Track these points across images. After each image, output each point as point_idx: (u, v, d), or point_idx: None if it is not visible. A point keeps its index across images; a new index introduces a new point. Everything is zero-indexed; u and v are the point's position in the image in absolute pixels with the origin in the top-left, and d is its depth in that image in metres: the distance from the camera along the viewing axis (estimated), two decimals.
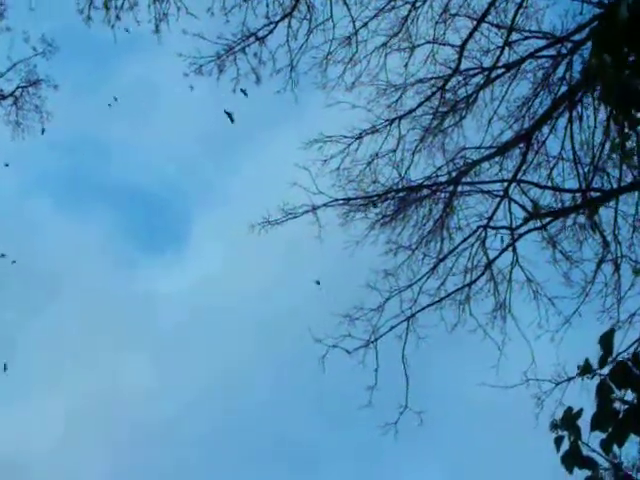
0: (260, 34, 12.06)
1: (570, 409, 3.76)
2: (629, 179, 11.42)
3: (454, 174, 12.36)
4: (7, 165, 13.75)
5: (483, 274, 12.25)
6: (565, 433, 3.72)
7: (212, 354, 18.64)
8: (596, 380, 3.74)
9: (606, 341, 3.67)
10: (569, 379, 11.14)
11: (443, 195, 12.38)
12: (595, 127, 11.61)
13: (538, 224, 12.08)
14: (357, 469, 17.75)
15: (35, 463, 17.56)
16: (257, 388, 18.45)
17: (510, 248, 12.25)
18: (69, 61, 14.38)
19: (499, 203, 12.24)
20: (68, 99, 14.52)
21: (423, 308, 12.18)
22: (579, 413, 3.75)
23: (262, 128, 14.87)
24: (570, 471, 3.71)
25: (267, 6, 11.87)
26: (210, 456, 18.32)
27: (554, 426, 3.79)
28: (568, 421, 3.71)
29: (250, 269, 15.68)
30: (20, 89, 13.61)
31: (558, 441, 3.72)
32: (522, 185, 12.16)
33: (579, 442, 3.69)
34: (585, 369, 3.70)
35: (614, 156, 11.02)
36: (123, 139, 17.23)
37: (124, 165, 18.70)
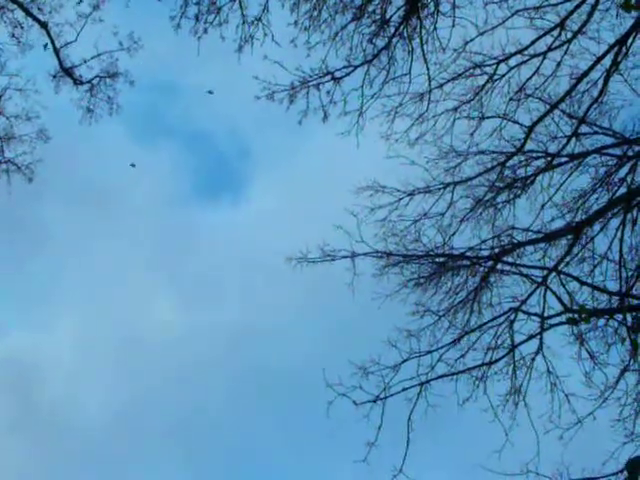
0: (337, 74, 12.20)
1: None
2: None
3: (497, 251, 12.32)
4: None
5: (505, 356, 12.12)
6: None
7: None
8: None
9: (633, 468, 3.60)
10: None
11: (482, 269, 12.34)
12: None
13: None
14: None
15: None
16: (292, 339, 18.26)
17: (537, 336, 12.12)
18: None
19: (535, 289, 12.13)
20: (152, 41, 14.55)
21: (439, 377, 12.06)
22: None
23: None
24: None
25: (350, 49, 12.04)
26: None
27: None
28: None
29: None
30: (98, 78, 13.98)
31: None
32: (562, 276, 12.06)
33: None
34: None
35: None
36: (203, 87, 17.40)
37: (200, 111, 19.12)
